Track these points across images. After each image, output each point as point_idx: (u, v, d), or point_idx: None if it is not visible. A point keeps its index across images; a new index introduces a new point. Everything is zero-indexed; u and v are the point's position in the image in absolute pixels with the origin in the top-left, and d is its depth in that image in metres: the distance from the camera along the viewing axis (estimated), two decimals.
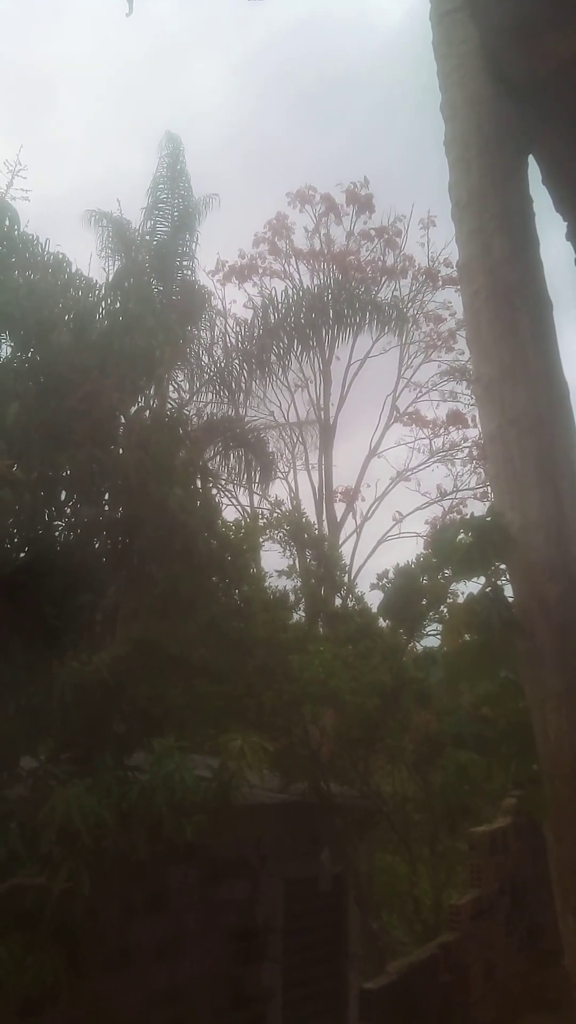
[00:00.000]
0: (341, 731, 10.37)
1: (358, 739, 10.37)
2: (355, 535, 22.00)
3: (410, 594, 9.82)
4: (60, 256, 8.41)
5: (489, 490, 21.45)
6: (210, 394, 14.79)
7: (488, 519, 6.69)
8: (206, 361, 14.07)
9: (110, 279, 9.25)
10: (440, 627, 12.51)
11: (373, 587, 11.16)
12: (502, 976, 9.58)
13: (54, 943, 6.56)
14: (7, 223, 7.82)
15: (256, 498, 18.74)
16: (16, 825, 6.99)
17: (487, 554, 6.55)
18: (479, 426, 7.73)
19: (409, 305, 20.76)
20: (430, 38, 8.43)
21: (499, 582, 7.05)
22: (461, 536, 6.87)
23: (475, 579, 7.06)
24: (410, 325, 19.63)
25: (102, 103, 35.58)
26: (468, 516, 7.46)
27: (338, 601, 12.57)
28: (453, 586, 11.72)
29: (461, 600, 10.55)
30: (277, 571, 10.66)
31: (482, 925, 9.41)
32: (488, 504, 7.24)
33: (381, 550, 22.03)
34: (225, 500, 16.23)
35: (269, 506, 16.67)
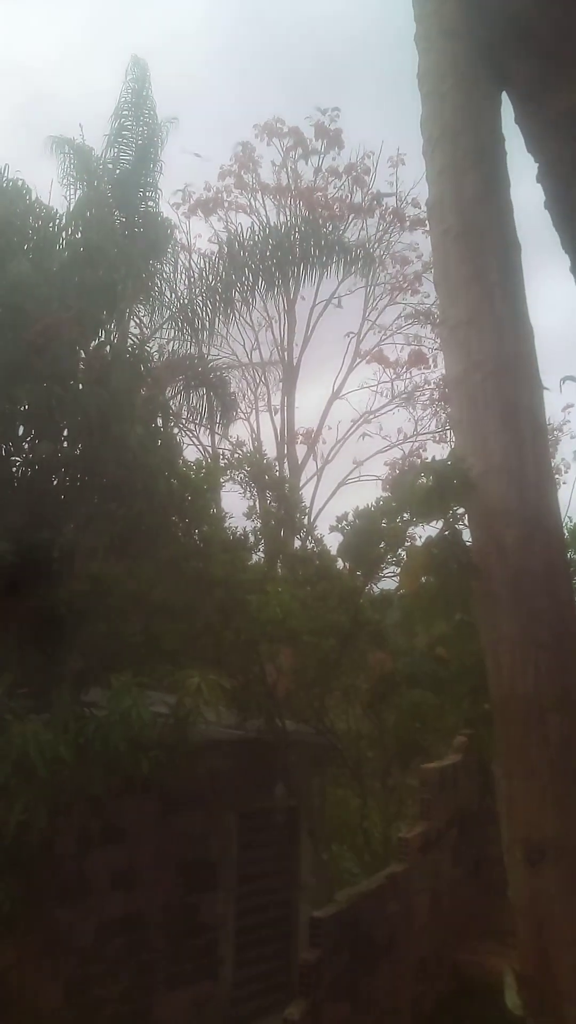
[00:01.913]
0: (298, 670, 10.50)
1: (314, 678, 10.52)
2: (316, 478, 22.04)
3: (369, 536, 9.88)
4: (19, 183, 8.14)
5: (450, 433, 21.58)
6: (172, 331, 14.50)
7: (449, 463, 6.74)
8: (169, 297, 13.76)
9: (71, 208, 8.93)
10: (398, 570, 12.67)
11: (332, 529, 11.18)
12: (449, 906, 9.94)
13: (10, 873, 6.66)
14: None
15: (217, 439, 18.62)
16: None
17: (447, 498, 6.61)
18: (444, 368, 7.73)
19: (376, 245, 20.51)
20: None
21: (457, 526, 7.13)
22: (422, 479, 6.91)
23: (434, 523, 7.15)
24: (376, 266, 19.40)
25: (73, 20, 34.08)
26: (429, 460, 7.51)
27: (297, 543, 12.63)
28: (411, 530, 11.86)
29: (419, 543, 10.68)
30: (241, 513, 10.65)
31: (430, 857, 9.72)
32: (450, 448, 7.27)
33: (341, 493, 22.12)
34: (186, 440, 16.06)
35: (230, 447, 16.59)
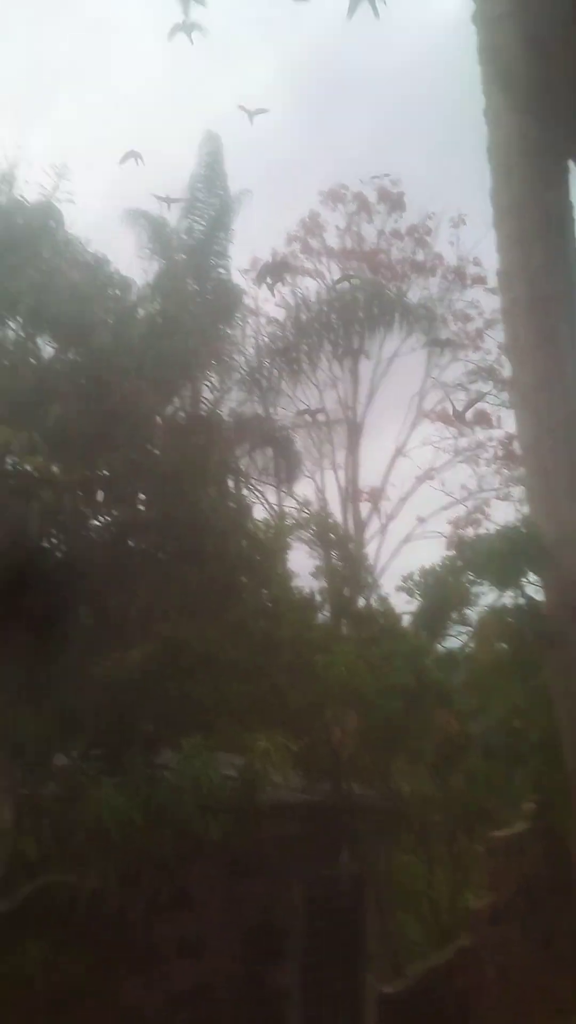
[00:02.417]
0: (363, 732, 10.42)
1: (380, 740, 10.42)
2: (380, 535, 22.01)
3: (439, 598, 9.86)
4: (100, 256, 8.47)
5: (514, 491, 21.41)
6: (240, 392, 14.81)
7: (522, 530, 6.74)
8: (238, 360, 14.09)
9: (149, 280, 9.27)
10: (463, 629, 12.57)
11: (399, 589, 11.21)
12: (518, 980, 9.63)
13: (81, 942, 6.67)
14: (52, 225, 7.89)
15: (283, 496, 18.79)
16: (49, 823, 7.10)
17: (520, 565, 6.60)
18: (515, 429, 7.75)
19: (438, 304, 20.69)
20: (471, 42, 8.39)
21: (531, 592, 7.09)
22: (494, 545, 6.91)
23: (508, 590, 7.12)
24: (438, 325, 19.53)
25: (146, 97, 35.56)
26: (502, 526, 7.50)
27: (362, 601, 12.60)
28: (477, 589, 11.78)
29: (486, 602, 10.61)
30: (307, 572, 10.71)
31: (499, 929, 9.45)
32: (515, 506, 7.29)
33: (405, 550, 22.03)
34: (253, 498, 16.23)
35: (296, 505, 16.73)
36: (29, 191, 7.94)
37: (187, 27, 3.01)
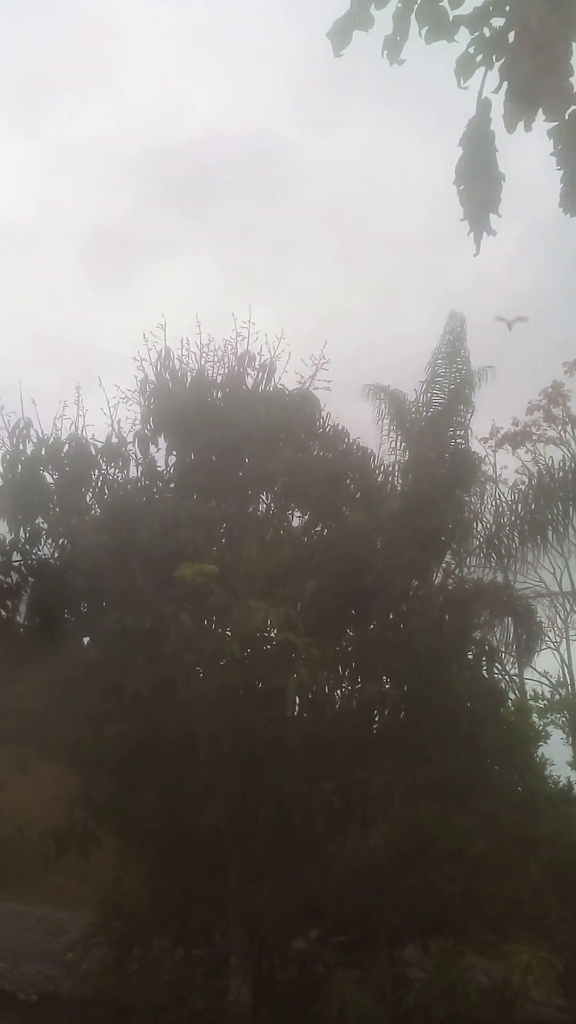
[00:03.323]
0: None
1: None
2: None
3: None
4: (340, 428, 8.79)
5: None
6: (480, 559, 14.60)
7: None
8: (478, 528, 13.98)
9: (396, 457, 9.57)
10: None
11: None
12: None
13: None
14: (308, 411, 8.39)
15: (524, 669, 17.92)
16: (286, 1011, 6.77)
17: None
18: None
19: None
20: None
21: None
22: None
23: None
24: None
25: (385, 272, 38.17)
26: None
27: None
28: None
29: None
30: (564, 760, 9.95)
31: None
32: None
33: None
34: (505, 680, 15.55)
35: (538, 677, 15.86)
36: (287, 378, 8.51)
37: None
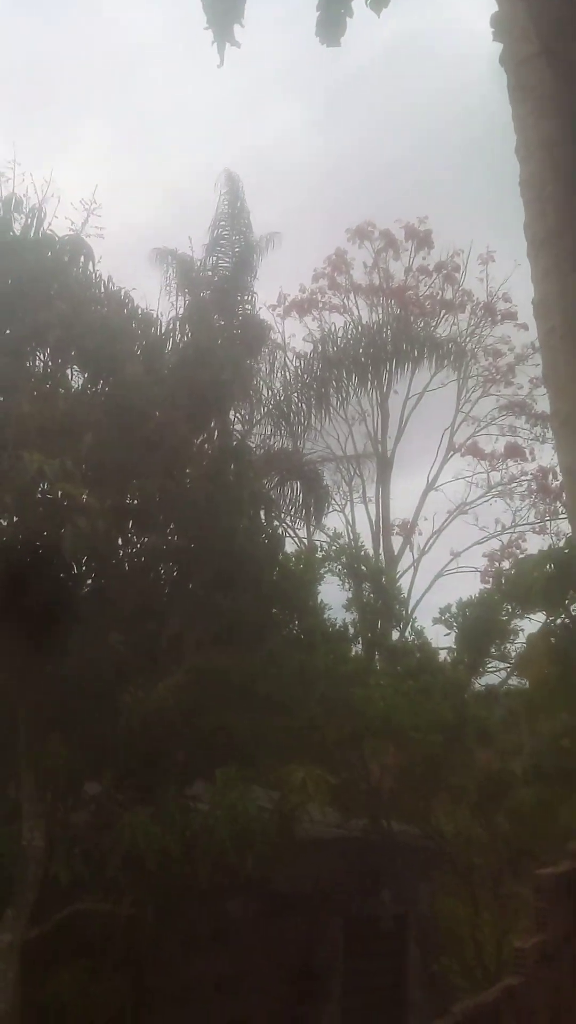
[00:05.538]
0: (403, 768, 10.22)
1: (420, 776, 10.21)
2: (412, 569, 21.83)
3: (478, 631, 9.73)
4: (122, 292, 8.57)
5: (549, 526, 21.11)
6: (269, 426, 14.88)
7: (566, 551, 6.65)
8: (266, 394, 14.18)
9: (178, 314, 9.41)
10: (501, 665, 12.35)
11: (436, 621, 11.05)
12: (568, 1022, 9.25)
13: (117, 971, 6.53)
14: (82, 260, 8.05)
15: (313, 531, 18.76)
16: (80, 850, 7.04)
17: (567, 585, 6.51)
18: (555, 457, 7.71)
19: (467, 340, 20.74)
20: (500, 82, 8.55)
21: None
22: (539, 569, 6.84)
23: (551, 613, 7.01)
24: (468, 360, 19.57)
25: (174, 132, 36.42)
26: (546, 549, 7.42)
27: (396, 635, 12.45)
28: (515, 623, 11.58)
29: (525, 636, 10.43)
30: (339, 604, 10.61)
31: (548, 970, 9.10)
32: (557, 544, 7.26)
33: (439, 585, 21.82)
34: (284, 531, 16.22)
35: (326, 539, 16.67)
36: (58, 225, 8.10)
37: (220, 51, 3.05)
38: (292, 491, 15.17)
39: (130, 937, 6.50)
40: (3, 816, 7.43)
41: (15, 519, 6.73)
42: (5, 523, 6.77)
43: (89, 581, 7.77)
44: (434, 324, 20.90)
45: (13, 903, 7.03)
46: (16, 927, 6.97)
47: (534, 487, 21.29)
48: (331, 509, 17.73)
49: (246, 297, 14.77)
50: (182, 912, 7.27)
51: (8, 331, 7.85)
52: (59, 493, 6.49)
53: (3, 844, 7.05)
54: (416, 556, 22.06)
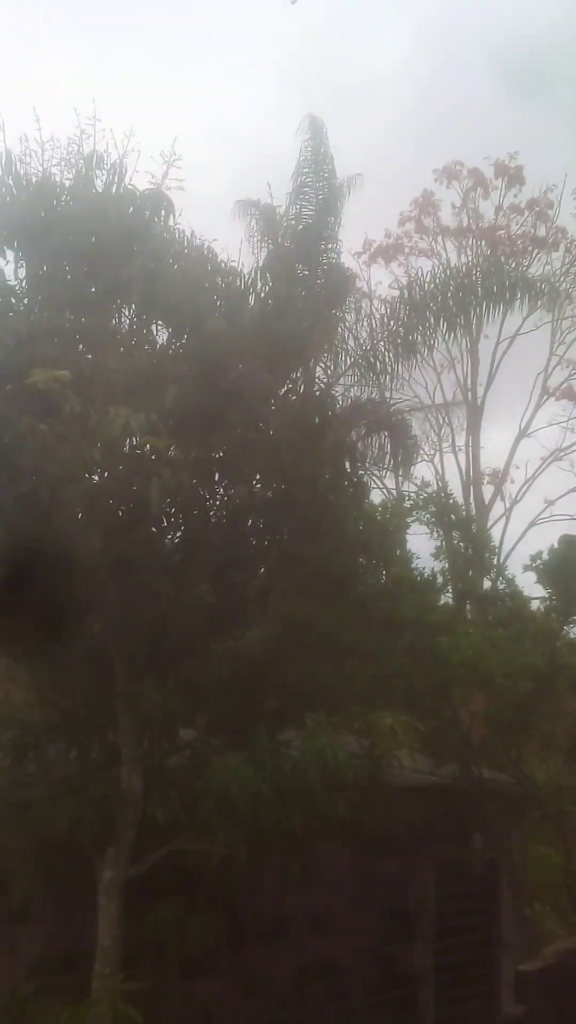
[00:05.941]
0: (492, 715, 10.19)
1: (510, 723, 10.16)
2: (504, 518, 21.47)
3: (571, 578, 9.52)
4: (205, 244, 8.54)
5: None
6: (355, 376, 14.74)
7: None
8: (351, 344, 14.02)
9: (259, 264, 9.34)
10: None
11: (526, 568, 10.86)
12: None
13: (213, 909, 6.79)
14: (163, 214, 8.05)
15: (401, 481, 18.61)
16: (176, 793, 7.29)
17: None
18: None
19: (562, 279, 19.99)
20: None
21: None
22: None
23: None
24: (563, 300, 18.89)
25: (253, 76, 35.98)
26: None
27: (487, 584, 12.31)
28: None
29: None
30: (428, 553, 10.53)
31: None
32: None
33: (531, 534, 21.41)
34: (371, 484, 16.15)
35: (415, 489, 16.51)
36: (138, 180, 8.10)
37: None
38: (379, 441, 15.05)
39: (225, 876, 6.74)
40: (104, 760, 7.75)
41: (104, 473, 6.87)
42: (97, 478, 6.93)
43: (178, 533, 7.92)
44: (526, 264, 20.19)
45: (114, 842, 7.38)
46: (117, 865, 7.32)
47: None
48: (420, 459, 17.54)
49: (330, 245, 14.58)
50: (275, 853, 7.48)
51: (93, 288, 7.95)
52: (146, 447, 6.59)
53: (105, 786, 7.36)
54: (508, 505, 21.68)
